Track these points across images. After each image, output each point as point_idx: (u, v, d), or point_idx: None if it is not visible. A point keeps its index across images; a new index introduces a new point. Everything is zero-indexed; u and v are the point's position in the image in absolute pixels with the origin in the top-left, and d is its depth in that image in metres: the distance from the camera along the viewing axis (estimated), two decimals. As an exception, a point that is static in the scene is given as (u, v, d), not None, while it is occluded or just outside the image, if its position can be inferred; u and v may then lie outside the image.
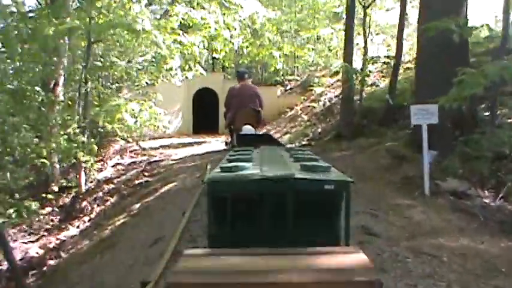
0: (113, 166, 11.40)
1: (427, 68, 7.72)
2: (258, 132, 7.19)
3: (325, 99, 13.89)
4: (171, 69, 11.99)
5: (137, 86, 11.32)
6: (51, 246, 8.30)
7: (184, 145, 13.52)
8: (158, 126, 10.00)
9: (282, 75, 18.41)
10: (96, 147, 9.83)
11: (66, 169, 11.63)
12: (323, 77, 16.80)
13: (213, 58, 19.46)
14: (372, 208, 5.13)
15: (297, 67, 19.35)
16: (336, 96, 13.77)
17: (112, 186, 10.08)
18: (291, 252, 1.80)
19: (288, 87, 18.69)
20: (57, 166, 11.19)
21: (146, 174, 9.91)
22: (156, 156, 11.72)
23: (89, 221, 8.77)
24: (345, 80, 9.98)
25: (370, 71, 9.87)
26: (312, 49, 15.60)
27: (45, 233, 9.02)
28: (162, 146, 13.25)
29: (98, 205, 9.22)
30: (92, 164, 9.73)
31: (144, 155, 11.43)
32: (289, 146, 10.20)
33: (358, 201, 5.46)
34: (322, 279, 1.54)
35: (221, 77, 17.71)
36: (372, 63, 9.78)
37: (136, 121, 9.45)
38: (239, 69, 7.70)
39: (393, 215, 4.92)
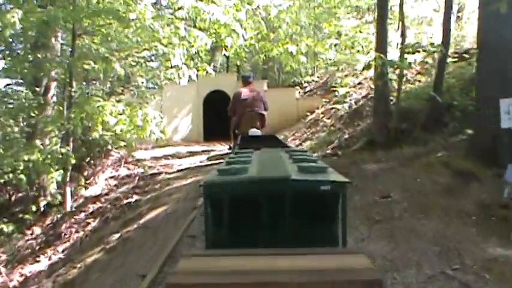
0: (105, 179, 9.52)
1: (494, 51, 5.63)
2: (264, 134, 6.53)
3: (350, 100, 11.78)
4: (175, 67, 10.11)
5: (135, 86, 9.35)
6: (11, 285, 6.43)
7: (191, 154, 11.59)
8: (148, 135, 7.90)
9: (300, 75, 16.35)
10: (73, 160, 7.92)
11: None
12: (346, 76, 14.70)
13: (227, 58, 17.50)
14: (453, 266, 3.06)
15: (317, 67, 17.25)
16: (363, 97, 11.67)
17: (99, 205, 8.21)
18: (291, 253, 1.73)
19: (308, 89, 16.61)
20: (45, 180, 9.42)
21: (138, 191, 8.00)
22: (155, 168, 9.80)
23: (63, 251, 6.88)
24: (378, 75, 7.89)
25: (410, 63, 7.74)
26: (335, 45, 13.46)
27: (12, 265, 7.15)
28: (165, 156, 11.34)
29: (77, 230, 7.33)
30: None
31: (142, 166, 9.50)
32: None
33: (426, 250, 3.40)
34: (323, 279, 1.49)
35: (234, 78, 15.66)
36: (413, 53, 7.64)
37: (120, 129, 7.46)
38: (244, 74, 7.41)
39: (495, 282, 2.82)
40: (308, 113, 13.73)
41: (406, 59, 7.56)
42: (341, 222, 2.05)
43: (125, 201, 7.63)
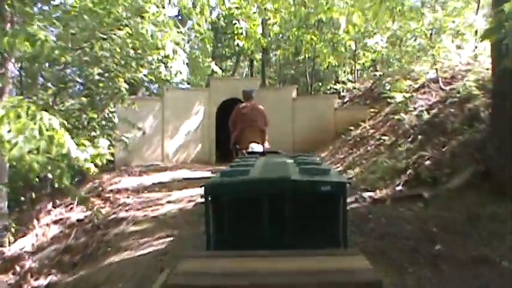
0: (47, 225, 5.92)
1: None
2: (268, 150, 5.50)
3: (416, 108, 7.85)
4: (167, 57, 6.59)
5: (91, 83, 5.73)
6: None
7: (191, 183, 7.84)
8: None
9: (337, 81, 12.48)
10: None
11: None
12: (397, 81, 10.78)
13: (251, 61, 13.82)
14: None
15: (357, 72, 13.32)
16: (436, 103, 7.70)
17: (9, 276, 4.56)
18: (290, 254, 1.71)
19: (347, 99, 12.73)
20: None
21: (65, 260, 4.36)
22: (127, 207, 6.12)
23: None
24: (501, 53, 4.02)
25: None
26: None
27: None
28: (154, 186, 7.70)
29: None
30: None
31: (93, 212, 5.80)
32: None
33: None
34: (323, 281, 1.46)
35: (257, 84, 11.91)
36: None
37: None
38: (245, 89, 6.45)
39: None
40: (351, 128, 9.84)
41: None
42: (342, 222, 1.99)
43: (34, 284, 3.96)
